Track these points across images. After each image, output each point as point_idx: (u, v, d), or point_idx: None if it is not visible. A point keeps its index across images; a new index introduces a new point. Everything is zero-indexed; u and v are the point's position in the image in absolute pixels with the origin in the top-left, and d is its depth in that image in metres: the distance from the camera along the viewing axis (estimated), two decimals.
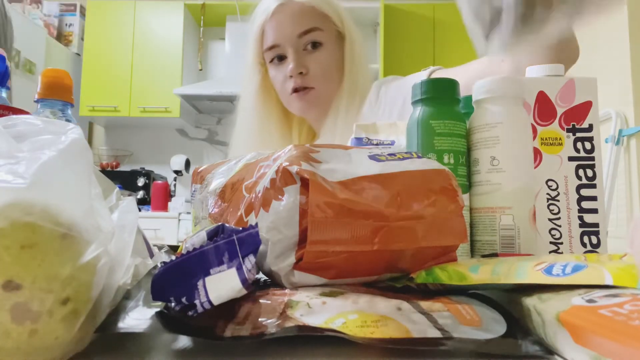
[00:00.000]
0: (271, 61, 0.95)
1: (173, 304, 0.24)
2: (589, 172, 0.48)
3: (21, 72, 2.63)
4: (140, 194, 3.14)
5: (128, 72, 3.17)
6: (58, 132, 0.26)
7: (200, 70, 3.47)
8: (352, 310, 0.24)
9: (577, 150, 0.48)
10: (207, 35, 3.51)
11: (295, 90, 0.93)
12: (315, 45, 0.92)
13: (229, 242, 0.25)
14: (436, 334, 0.23)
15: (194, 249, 0.25)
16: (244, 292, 0.24)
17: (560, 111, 0.49)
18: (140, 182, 3.16)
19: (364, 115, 0.93)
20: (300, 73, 0.92)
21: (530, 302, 0.26)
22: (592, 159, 0.48)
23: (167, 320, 0.24)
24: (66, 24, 3.33)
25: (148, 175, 3.19)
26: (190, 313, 0.24)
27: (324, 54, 0.93)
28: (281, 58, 0.93)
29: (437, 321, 0.24)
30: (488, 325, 0.25)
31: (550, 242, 0.47)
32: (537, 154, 0.48)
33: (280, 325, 0.23)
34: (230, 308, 0.25)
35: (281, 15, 0.91)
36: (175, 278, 0.25)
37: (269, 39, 0.93)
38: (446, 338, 0.23)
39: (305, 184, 0.29)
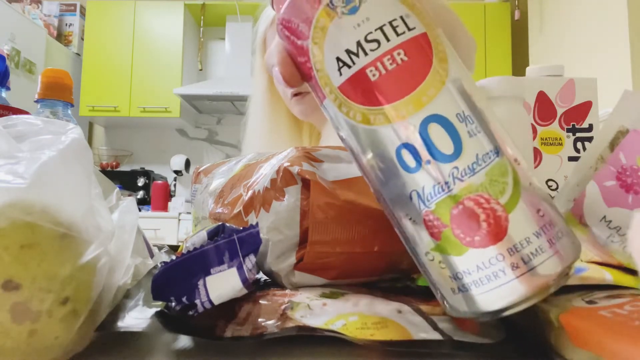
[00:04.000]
0: None
1: (173, 304, 0.24)
2: None
3: (21, 72, 2.63)
4: (140, 194, 3.14)
5: (128, 72, 3.17)
6: (58, 132, 0.26)
7: (200, 70, 3.47)
8: (353, 312, 0.24)
9: (577, 150, 0.48)
10: (207, 35, 3.51)
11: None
12: None
13: (230, 242, 0.25)
14: (436, 336, 0.23)
15: (195, 249, 0.25)
16: (245, 291, 0.24)
17: (560, 111, 0.49)
18: (140, 182, 3.16)
19: None
20: None
21: None
22: None
23: (167, 320, 0.24)
24: (66, 24, 3.33)
25: (148, 175, 3.19)
26: (190, 313, 0.24)
27: None
28: None
29: (437, 324, 0.24)
30: (487, 331, 0.25)
31: None
32: (537, 154, 0.48)
33: (280, 326, 0.23)
34: (230, 308, 0.25)
35: None
36: (176, 277, 0.25)
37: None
38: (446, 341, 0.23)
39: (306, 184, 0.29)
